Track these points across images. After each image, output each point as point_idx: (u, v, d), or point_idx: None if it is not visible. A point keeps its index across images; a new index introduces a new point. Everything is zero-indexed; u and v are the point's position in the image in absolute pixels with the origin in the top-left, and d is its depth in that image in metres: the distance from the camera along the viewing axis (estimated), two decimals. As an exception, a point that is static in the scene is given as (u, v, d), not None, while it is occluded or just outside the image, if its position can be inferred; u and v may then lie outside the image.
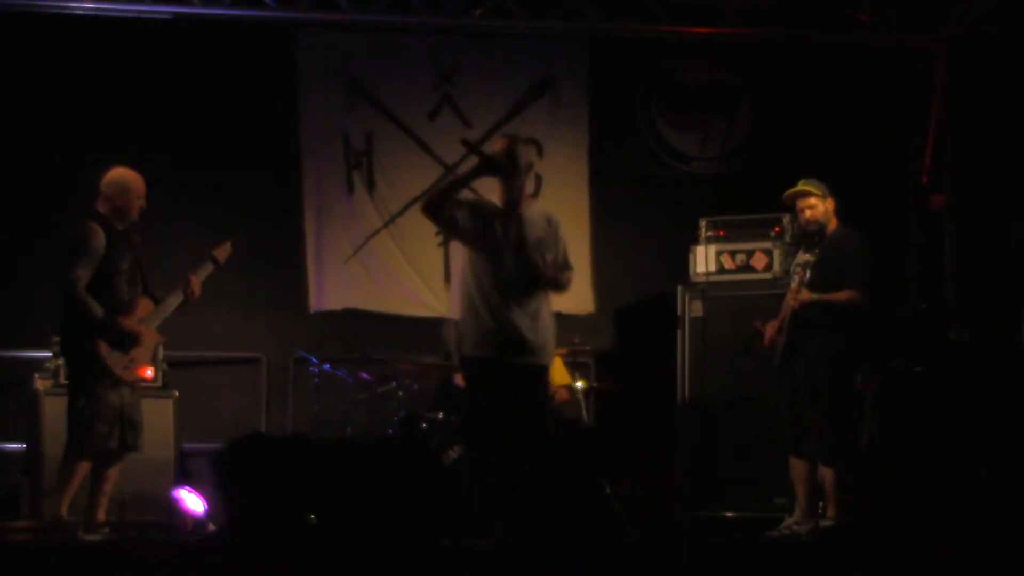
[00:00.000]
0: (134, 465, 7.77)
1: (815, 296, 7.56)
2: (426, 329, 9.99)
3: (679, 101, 10.56)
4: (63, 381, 8.06)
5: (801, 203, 7.85)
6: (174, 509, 7.89)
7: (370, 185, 10.25)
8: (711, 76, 10.58)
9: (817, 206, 7.78)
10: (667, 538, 7.93)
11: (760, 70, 10.50)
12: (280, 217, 10.05)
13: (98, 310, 7.20)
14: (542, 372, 6.90)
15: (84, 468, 7.33)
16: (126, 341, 7.33)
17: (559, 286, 6.94)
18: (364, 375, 9.18)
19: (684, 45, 10.39)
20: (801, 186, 7.86)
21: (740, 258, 9.16)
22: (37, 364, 8.63)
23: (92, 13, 9.43)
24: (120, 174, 7.53)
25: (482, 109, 10.35)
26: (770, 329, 7.86)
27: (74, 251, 7.26)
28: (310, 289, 10.04)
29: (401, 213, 10.23)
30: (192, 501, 7.84)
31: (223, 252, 7.91)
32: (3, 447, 8.98)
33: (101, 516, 7.42)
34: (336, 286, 10.10)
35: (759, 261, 9.06)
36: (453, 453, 7.97)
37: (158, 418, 8.39)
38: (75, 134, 9.54)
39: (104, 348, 7.25)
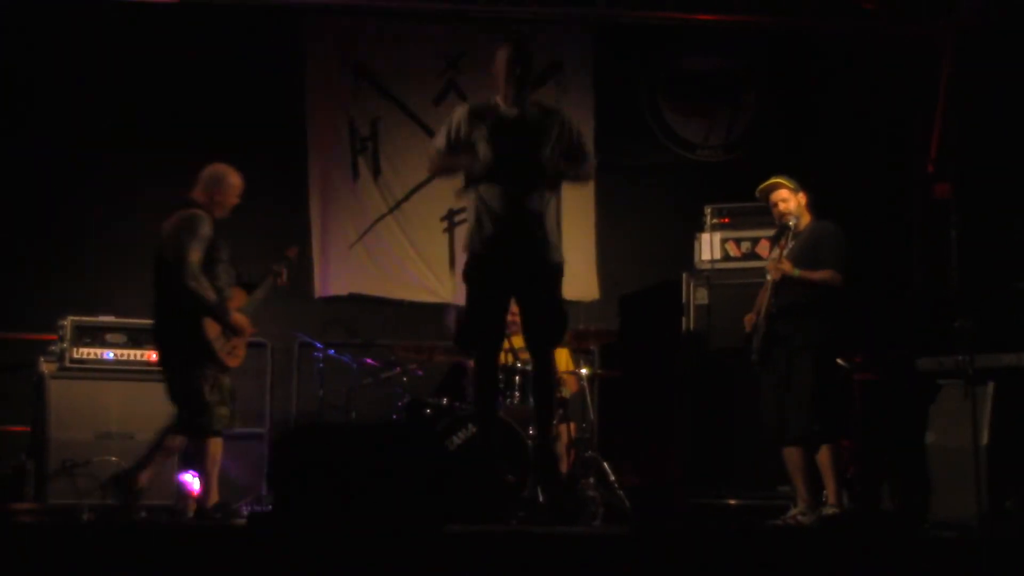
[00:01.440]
0: (139, 449, 7.81)
1: (796, 272, 7.57)
2: (431, 314, 10.01)
3: (684, 89, 10.56)
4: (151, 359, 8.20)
5: (774, 196, 7.89)
6: (179, 493, 7.92)
7: (375, 171, 10.25)
8: (716, 64, 10.57)
9: (789, 200, 7.83)
10: (669, 524, 7.94)
11: (766, 58, 10.49)
12: (285, 203, 10.05)
13: (212, 295, 7.38)
14: (553, 269, 6.97)
15: (218, 444, 7.54)
16: (234, 329, 7.55)
17: (577, 176, 7.09)
18: (368, 360, 9.20)
19: (690, 32, 10.39)
20: (773, 180, 7.90)
21: (745, 246, 9.17)
22: (42, 347, 8.65)
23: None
24: (223, 169, 7.79)
25: (488, 95, 10.32)
26: (750, 319, 7.87)
27: (188, 236, 7.42)
28: (315, 274, 10.05)
29: (406, 199, 10.23)
30: (197, 485, 7.86)
31: (293, 252, 8.35)
32: (8, 430, 8.99)
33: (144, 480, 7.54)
34: (341, 272, 10.10)
35: (764, 249, 9.06)
36: (458, 439, 8.00)
37: (162, 401, 8.39)
38: (80, 119, 9.57)
39: (214, 332, 7.45)
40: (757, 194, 8.00)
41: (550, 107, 7.30)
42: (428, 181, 10.23)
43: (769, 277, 7.73)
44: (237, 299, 7.74)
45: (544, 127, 6.98)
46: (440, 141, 7.12)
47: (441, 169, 7.25)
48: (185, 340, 7.47)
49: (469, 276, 7.10)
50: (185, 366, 7.49)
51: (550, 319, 7.04)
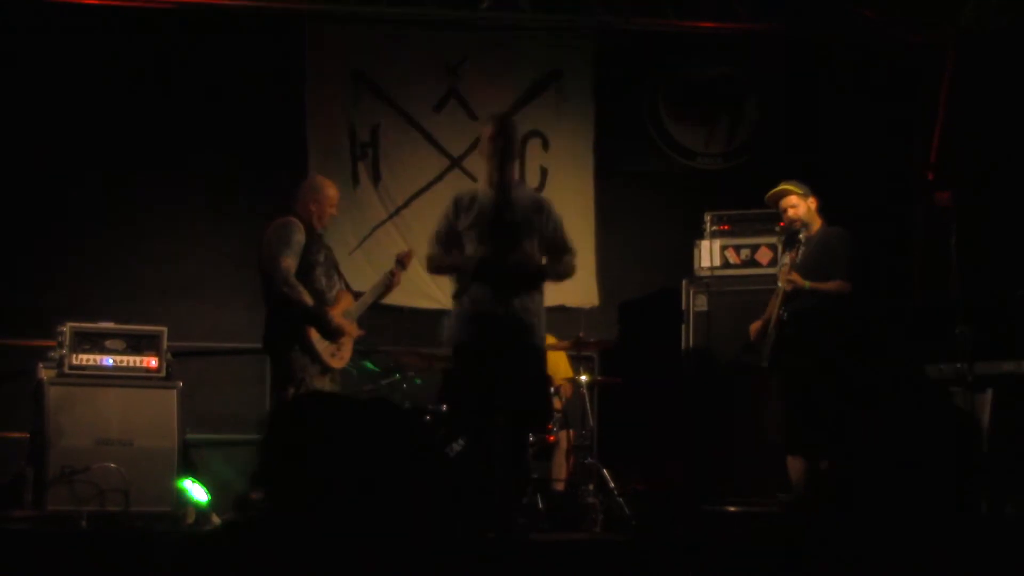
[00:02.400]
0: (138, 456, 7.81)
1: (806, 283, 7.57)
2: (431, 321, 9.96)
3: (685, 96, 10.55)
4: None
5: (783, 203, 7.91)
6: (179, 499, 7.91)
7: (375, 177, 10.25)
8: (717, 71, 10.56)
9: (799, 205, 7.84)
10: (669, 531, 7.93)
11: (766, 66, 10.48)
12: (286, 209, 10.01)
13: (309, 298, 7.54)
14: (536, 355, 6.93)
15: None
16: (334, 332, 7.65)
17: (558, 275, 6.99)
18: (369, 367, 9.19)
19: (690, 40, 10.39)
20: (782, 186, 7.90)
21: (745, 253, 9.18)
22: (41, 353, 8.63)
23: (98, 3, 9.43)
24: (320, 181, 8.03)
25: (488, 102, 10.33)
26: (755, 327, 7.87)
27: (279, 244, 7.61)
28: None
29: (406, 205, 10.24)
30: (196, 492, 7.86)
31: (408, 257, 8.45)
32: (7, 436, 8.97)
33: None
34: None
35: (764, 256, 9.07)
36: (458, 446, 7.98)
37: (162, 409, 8.42)
38: (79, 125, 9.55)
39: (315, 335, 7.57)
40: (766, 200, 8.00)
41: (536, 196, 7.24)
42: (428, 187, 10.25)
43: (780, 286, 7.73)
44: (344, 302, 7.88)
45: (528, 218, 6.91)
46: (433, 241, 7.12)
47: (439, 270, 7.27)
48: (281, 343, 7.59)
49: (458, 363, 7.04)
50: (279, 369, 7.62)
51: (531, 404, 6.94)
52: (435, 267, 7.28)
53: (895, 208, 9.76)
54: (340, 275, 8.07)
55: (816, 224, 7.82)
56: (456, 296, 7.02)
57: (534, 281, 6.91)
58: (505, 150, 6.92)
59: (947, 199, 8.21)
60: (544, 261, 7.00)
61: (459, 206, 7.01)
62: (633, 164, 10.45)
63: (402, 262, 8.38)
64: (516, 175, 7.07)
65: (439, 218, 7.13)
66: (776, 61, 10.46)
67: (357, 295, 8.15)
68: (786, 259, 7.86)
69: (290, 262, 7.57)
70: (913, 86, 9.96)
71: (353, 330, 7.87)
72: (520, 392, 6.83)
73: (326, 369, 7.71)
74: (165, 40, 9.69)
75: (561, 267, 7.03)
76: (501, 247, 6.81)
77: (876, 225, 9.50)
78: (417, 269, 10.10)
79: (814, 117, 10.23)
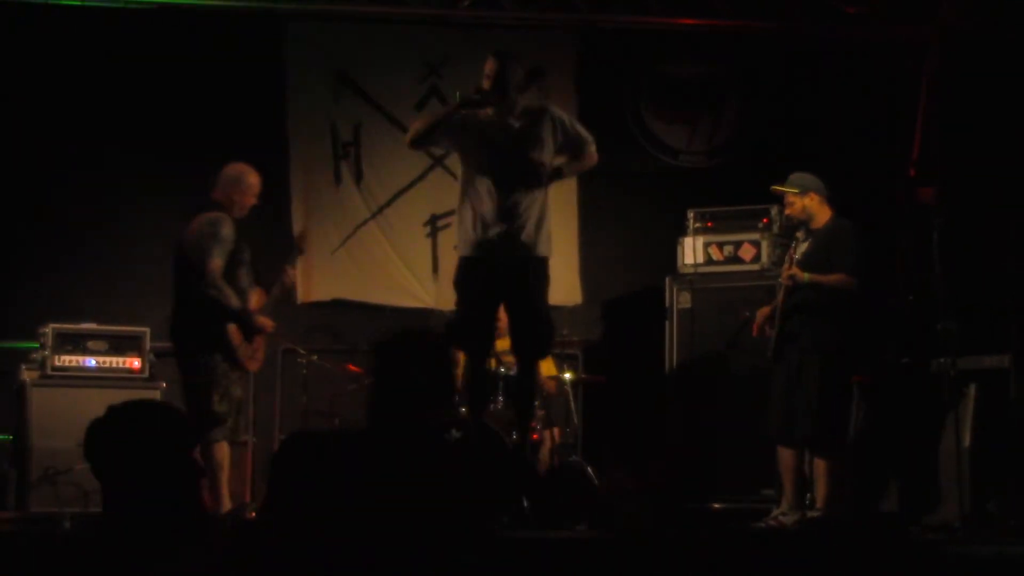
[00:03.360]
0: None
1: (806, 276, 7.58)
2: (414, 320, 9.98)
3: (667, 94, 10.55)
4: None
5: (785, 199, 7.93)
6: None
7: (358, 176, 10.24)
8: (699, 69, 10.56)
9: (795, 203, 7.85)
10: (655, 529, 7.93)
11: (748, 63, 10.49)
12: (267, 208, 10.00)
13: (236, 300, 7.39)
14: (541, 268, 7.11)
15: (224, 452, 7.54)
16: (254, 332, 7.53)
17: (583, 163, 7.37)
18: (352, 366, 9.18)
19: (672, 38, 10.38)
20: (780, 187, 7.91)
21: (728, 249, 9.17)
22: (23, 355, 8.61)
23: (78, 3, 9.40)
24: (242, 169, 7.82)
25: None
26: (759, 318, 7.88)
27: (209, 241, 7.41)
28: (298, 280, 10.00)
29: (389, 204, 10.22)
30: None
31: (303, 239, 8.57)
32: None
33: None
34: (324, 277, 10.08)
35: (747, 252, 9.07)
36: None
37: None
38: (60, 125, 9.52)
39: (238, 338, 7.40)
40: (772, 189, 8.03)
41: (536, 107, 7.37)
42: (411, 186, 10.23)
43: (781, 280, 7.74)
44: (258, 300, 7.78)
45: (536, 131, 7.07)
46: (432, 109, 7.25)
47: (424, 127, 7.27)
48: (204, 348, 7.49)
49: (458, 280, 7.19)
50: (200, 375, 7.51)
51: (537, 327, 7.12)
52: (416, 130, 7.31)
53: (877, 204, 9.76)
54: (257, 270, 7.92)
55: (823, 217, 7.79)
56: (460, 204, 7.14)
57: (540, 181, 7.05)
58: (506, 82, 7.06)
59: (930, 195, 8.23)
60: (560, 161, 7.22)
61: (465, 124, 7.09)
62: (616, 162, 10.40)
63: (300, 247, 8.29)
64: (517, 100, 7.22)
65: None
66: (758, 58, 10.46)
67: (266, 287, 8.00)
68: (791, 252, 7.86)
69: (220, 262, 7.42)
70: (895, 82, 9.96)
71: (269, 325, 7.76)
72: (523, 317, 7.06)
73: (243, 373, 7.63)
74: (145, 40, 9.65)
75: (585, 155, 7.33)
76: (510, 157, 6.91)
77: (859, 221, 9.50)
78: (402, 269, 10.13)
79: (796, 114, 10.23)
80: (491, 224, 7.02)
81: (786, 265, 7.77)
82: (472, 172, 7.11)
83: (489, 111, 7.14)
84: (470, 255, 7.11)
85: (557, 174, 7.30)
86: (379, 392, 4.25)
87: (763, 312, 7.86)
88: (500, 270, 7.05)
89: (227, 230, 7.48)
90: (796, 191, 7.82)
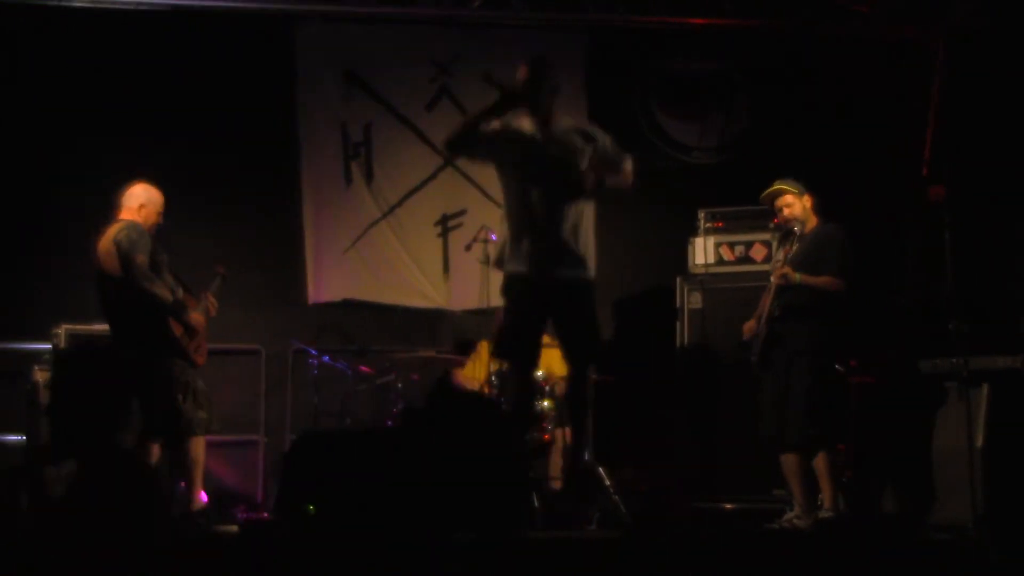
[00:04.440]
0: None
1: (797, 277, 7.57)
2: (425, 320, 10.00)
3: (677, 92, 10.55)
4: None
5: (779, 202, 7.90)
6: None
7: (368, 176, 10.25)
8: (709, 67, 10.56)
9: (794, 204, 7.83)
10: (665, 529, 7.93)
11: (759, 61, 10.48)
12: (278, 209, 10.05)
13: (168, 294, 7.37)
14: (587, 286, 7.04)
15: (200, 447, 7.59)
16: (192, 326, 7.59)
17: (621, 181, 7.18)
18: (363, 367, 9.19)
19: (682, 36, 10.37)
20: (777, 185, 7.90)
21: (739, 249, 9.17)
22: (36, 356, 8.63)
23: (90, 6, 9.41)
24: (144, 188, 7.83)
25: (480, 100, 10.26)
26: (747, 331, 7.88)
27: (130, 243, 7.45)
28: (308, 280, 10.04)
29: (400, 204, 10.23)
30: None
31: (222, 268, 8.32)
32: (2, 439, 8.96)
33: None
34: (334, 277, 10.09)
35: (758, 252, 9.06)
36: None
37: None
38: (71, 128, 9.55)
39: (179, 330, 7.50)
40: (761, 199, 8.00)
41: (575, 122, 7.32)
42: (421, 186, 10.25)
43: (772, 281, 7.73)
44: (190, 303, 7.80)
45: (573, 142, 7.02)
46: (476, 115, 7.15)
47: (463, 129, 7.19)
48: (150, 346, 7.49)
49: (507, 295, 7.15)
50: (154, 375, 7.51)
51: (586, 338, 7.09)
52: (455, 132, 7.20)
53: (889, 203, 9.76)
54: (182, 281, 7.91)
55: (812, 222, 7.82)
56: (504, 220, 7.12)
57: (588, 196, 7.01)
58: (540, 89, 6.99)
59: (941, 194, 8.21)
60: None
61: (503, 134, 7.05)
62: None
63: (222, 275, 8.30)
64: (552, 112, 7.10)
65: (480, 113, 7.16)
66: (768, 56, 10.45)
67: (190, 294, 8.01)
68: (779, 255, 7.86)
69: (144, 258, 7.44)
70: (906, 81, 9.95)
71: (201, 321, 7.75)
72: (574, 330, 7.04)
73: (193, 365, 7.63)
74: (157, 42, 9.67)
75: (622, 171, 7.21)
76: (552, 171, 6.88)
77: (870, 220, 9.50)
78: (413, 270, 10.13)
79: (807, 113, 10.22)
80: (536, 239, 6.93)
81: (778, 264, 7.76)
82: (513, 186, 7.04)
83: (527, 124, 7.06)
84: (515, 271, 7.03)
85: (599, 187, 7.17)
86: (57, 411, 3.90)
87: (749, 325, 7.87)
88: (547, 286, 6.97)
89: (144, 235, 7.52)
90: (796, 191, 7.82)
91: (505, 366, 8.09)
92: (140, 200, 7.75)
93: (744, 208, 9.13)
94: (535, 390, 7.85)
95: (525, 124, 7.06)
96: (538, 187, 6.91)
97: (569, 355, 7.21)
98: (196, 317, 7.66)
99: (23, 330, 9.08)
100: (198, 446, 7.57)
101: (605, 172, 7.08)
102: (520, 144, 6.97)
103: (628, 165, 7.24)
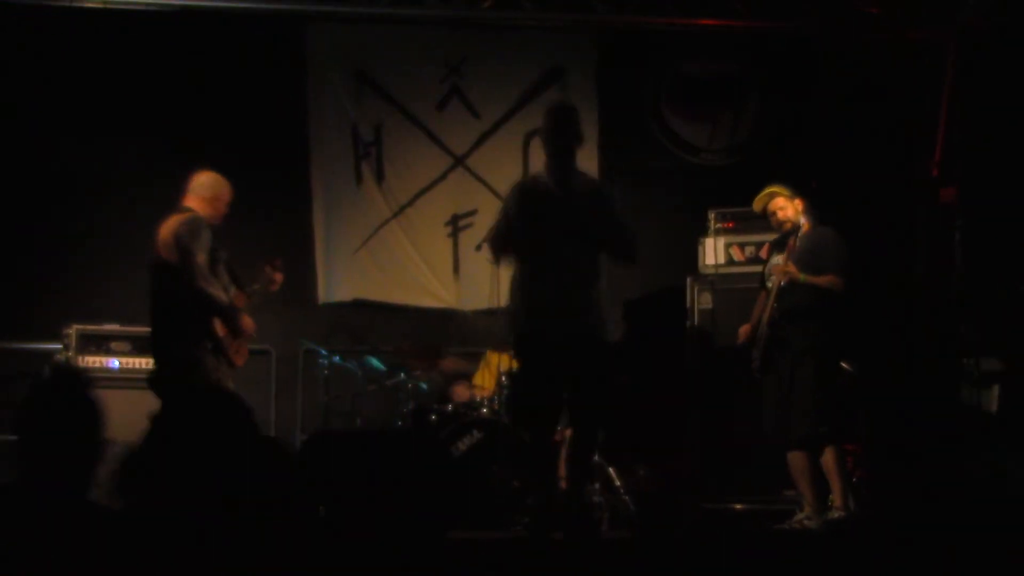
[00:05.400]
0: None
1: (801, 276, 7.56)
2: (435, 320, 10.01)
3: (687, 93, 10.55)
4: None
5: (772, 206, 7.88)
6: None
7: (379, 176, 10.26)
8: (719, 68, 10.56)
9: (787, 207, 7.81)
10: (675, 530, 7.94)
11: (768, 62, 10.48)
12: (288, 209, 10.06)
13: (222, 296, 7.32)
14: (602, 346, 6.88)
15: None
16: (241, 329, 7.49)
17: (624, 257, 7.01)
18: (375, 364, 9.20)
19: (692, 37, 10.37)
20: (768, 189, 7.89)
21: (749, 250, 9.16)
22: (47, 356, 8.65)
23: (100, 6, 9.42)
24: (214, 179, 7.67)
25: (490, 100, 10.37)
26: (742, 335, 7.87)
27: (191, 238, 7.33)
28: (319, 280, 10.05)
29: (410, 204, 10.24)
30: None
31: (278, 261, 8.08)
32: (13, 439, 8.96)
33: None
34: (345, 277, 10.11)
35: (767, 253, 9.05)
36: (463, 445, 8.00)
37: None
38: (82, 128, 9.56)
39: (224, 332, 7.39)
40: (754, 206, 7.98)
41: (594, 180, 7.23)
42: (432, 186, 10.27)
43: (772, 283, 7.73)
44: (237, 300, 7.73)
45: (588, 201, 6.90)
46: (499, 224, 7.05)
47: (500, 252, 7.15)
48: (192, 345, 7.46)
49: (521, 356, 7.07)
50: (187, 373, 7.48)
51: (594, 400, 6.96)
52: (501, 250, 7.10)
53: (899, 204, 9.75)
54: (235, 273, 7.81)
55: (804, 226, 7.81)
56: (514, 288, 7.00)
57: (595, 272, 6.91)
58: (558, 142, 6.88)
59: (952, 195, 8.23)
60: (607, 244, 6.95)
61: (523, 193, 6.95)
62: (636, 161, 10.44)
63: (276, 265, 8.24)
64: (574, 164, 6.95)
65: (503, 207, 7.05)
66: (778, 57, 10.45)
67: (246, 289, 7.98)
68: (777, 259, 7.84)
69: (204, 257, 7.31)
70: (916, 82, 9.94)
71: (251, 327, 7.65)
72: (584, 390, 6.86)
73: (232, 366, 7.53)
74: (167, 42, 9.69)
75: (624, 247, 7.01)
76: (560, 239, 6.79)
77: (880, 221, 9.50)
78: (423, 269, 10.14)
79: (817, 114, 10.22)
80: (553, 304, 6.76)
81: (780, 265, 7.74)
82: (528, 247, 6.92)
83: (545, 180, 6.97)
84: (528, 332, 6.90)
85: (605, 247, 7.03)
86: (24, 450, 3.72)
87: (744, 329, 7.86)
88: (562, 349, 6.85)
89: (205, 230, 7.44)
90: (788, 194, 7.81)
91: (514, 366, 8.06)
92: (212, 191, 7.62)
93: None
94: (553, 457, 7.37)
95: (542, 180, 6.96)
96: (555, 243, 6.78)
97: (574, 415, 7.04)
98: (245, 321, 7.58)
99: (34, 330, 9.10)
100: None
101: (611, 240, 6.96)
102: (537, 204, 6.85)
103: (627, 244, 7.01)
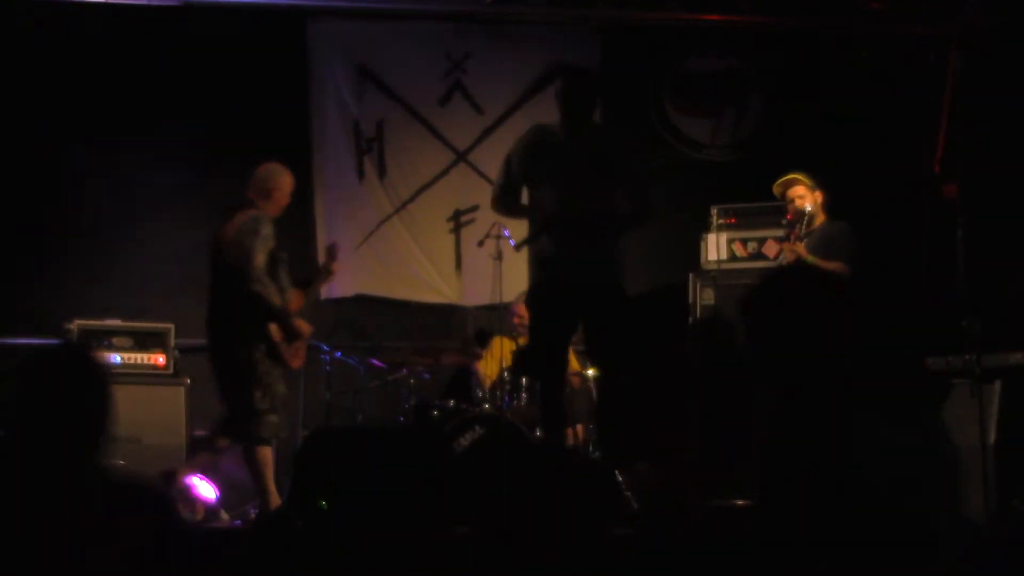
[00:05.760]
0: (146, 453, 7.83)
1: (809, 257, 7.57)
2: (438, 316, 10.00)
3: (690, 89, 10.55)
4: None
5: (791, 192, 7.91)
6: (185, 496, 7.91)
7: (381, 171, 10.25)
8: (722, 64, 10.55)
9: (806, 196, 7.84)
10: (679, 526, 7.93)
11: (772, 58, 10.47)
12: (290, 204, 10.01)
13: (278, 299, 7.32)
14: (618, 291, 6.97)
15: (268, 451, 7.54)
16: (295, 333, 7.50)
17: (636, 215, 7.10)
18: (375, 362, 9.19)
19: (695, 33, 10.37)
20: (791, 175, 7.89)
21: (752, 246, 9.15)
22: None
23: (99, 0, 9.42)
24: (272, 169, 7.76)
25: (493, 95, 10.35)
26: None
27: (251, 239, 7.35)
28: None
29: (412, 199, 10.24)
30: (204, 488, 7.86)
31: (336, 248, 8.41)
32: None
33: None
34: (347, 273, 10.07)
35: (771, 249, 9.05)
36: (465, 441, 7.99)
37: (170, 405, 8.45)
38: (84, 122, 9.55)
39: (279, 335, 7.39)
40: (774, 189, 7.99)
41: (613, 132, 7.24)
42: (434, 181, 10.26)
43: (782, 260, 7.74)
44: (296, 301, 7.74)
45: (601, 152, 6.90)
46: (498, 182, 7.07)
47: (503, 212, 7.19)
48: (245, 345, 7.46)
49: (533, 305, 7.09)
50: (240, 373, 7.48)
51: (611, 343, 6.99)
52: (503, 210, 7.22)
53: (901, 200, 9.74)
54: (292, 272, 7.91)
55: (820, 218, 7.82)
56: (528, 242, 7.03)
57: (609, 230, 6.90)
58: (580, 108, 6.92)
59: (954, 191, 8.21)
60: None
61: (530, 147, 6.97)
62: (639, 157, 10.42)
63: (332, 254, 8.28)
64: (589, 119, 7.04)
65: (504, 161, 7.08)
66: (782, 54, 10.44)
67: (303, 287, 8.00)
68: (794, 235, 7.83)
69: (263, 258, 7.37)
70: (919, 78, 9.93)
71: (308, 331, 7.75)
72: (602, 338, 6.89)
73: (287, 370, 7.60)
74: (168, 37, 9.67)
75: (637, 206, 7.08)
76: (573, 194, 6.78)
77: (882, 217, 9.49)
78: (426, 265, 10.13)
79: (820, 110, 10.21)
80: (567, 258, 6.85)
81: (788, 243, 7.75)
82: (539, 194, 6.95)
83: (557, 129, 7.00)
84: (541, 281, 6.97)
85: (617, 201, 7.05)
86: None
87: None
88: (578, 301, 6.90)
89: (267, 228, 7.43)
90: (810, 184, 7.82)
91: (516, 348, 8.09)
92: (271, 183, 7.69)
93: (757, 204, 9.12)
94: (563, 400, 7.54)
95: (552, 130, 6.99)
96: (570, 205, 6.78)
97: (594, 360, 7.13)
98: (302, 324, 7.61)
99: (36, 326, 9.09)
100: (266, 451, 7.53)
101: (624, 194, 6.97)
102: (550, 156, 6.88)
103: (644, 207, 7.10)
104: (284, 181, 7.74)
